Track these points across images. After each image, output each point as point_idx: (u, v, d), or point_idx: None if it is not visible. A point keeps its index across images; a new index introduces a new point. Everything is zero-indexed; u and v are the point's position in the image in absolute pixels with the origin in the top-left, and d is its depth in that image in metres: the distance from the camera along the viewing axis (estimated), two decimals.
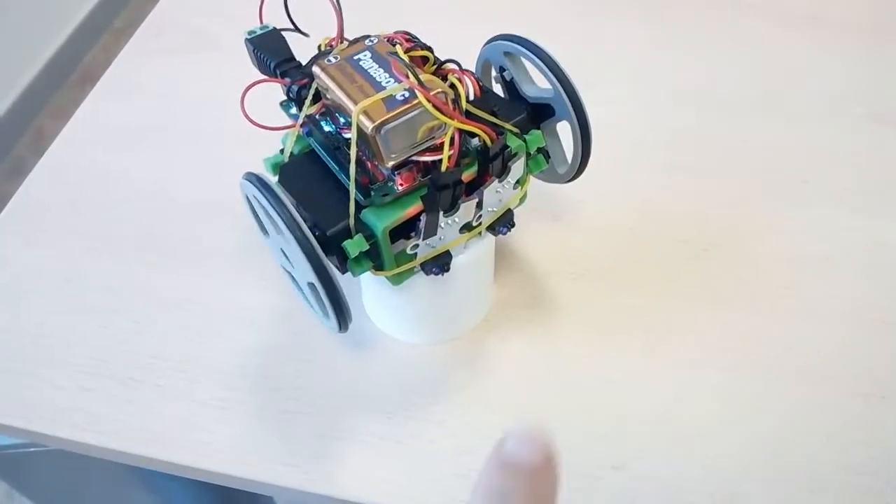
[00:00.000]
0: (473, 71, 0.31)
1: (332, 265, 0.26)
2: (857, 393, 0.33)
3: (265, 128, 0.29)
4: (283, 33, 0.31)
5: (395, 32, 0.29)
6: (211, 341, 0.36)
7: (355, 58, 0.27)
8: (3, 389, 0.34)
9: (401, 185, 0.27)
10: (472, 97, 0.28)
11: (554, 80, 0.29)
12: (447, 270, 0.29)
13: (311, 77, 0.28)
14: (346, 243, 0.26)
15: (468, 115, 0.27)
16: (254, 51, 0.31)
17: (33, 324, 0.36)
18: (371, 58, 0.27)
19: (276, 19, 0.31)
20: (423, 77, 0.25)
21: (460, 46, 0.33)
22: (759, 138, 0.43)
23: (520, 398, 0.33)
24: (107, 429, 0.33)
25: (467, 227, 0.29)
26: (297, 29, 0.31)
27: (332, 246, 0.27)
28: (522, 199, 0.31)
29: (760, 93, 0.46)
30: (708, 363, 0.34)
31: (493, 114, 0.28)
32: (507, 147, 0.28)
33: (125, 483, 0.54)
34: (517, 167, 0.29)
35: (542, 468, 0.18)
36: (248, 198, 0.27)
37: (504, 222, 0.30)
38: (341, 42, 0.29)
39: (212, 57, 0.49)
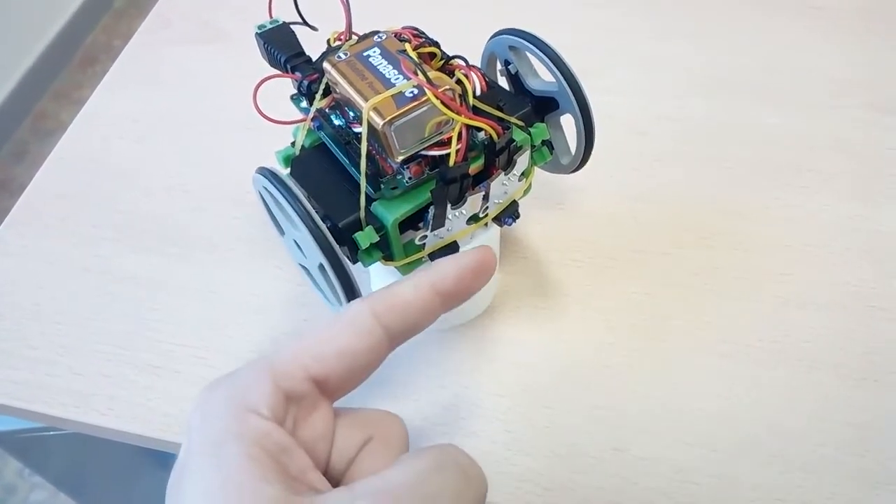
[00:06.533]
0: (479, 65, 0.32)
1: (343, 255, 0.27)
2: (852, 377, 0.34)
3: (277, 122, 0.29)
4: (292, 27, 0.32)
5: (403, 28, 0.29)
6: (227, 328, 0.37)
7: (365, 54, 0.27)
8: (24, 376, 0.35)
9: (410, 178, 0.27)
10: (478, 92, 0.28)
11: (558, 74, 0.29)
12: None
13: (322, 72, 0.28)
14: (357, 235, 0.27)
15: (475, 110, 0.28)
16: (264, 45, 0.31)
17: (53, 312, 0.37)
18: (380, 54, 0.27)
19: (284, 12, 0.31)
20: (431, 74, 0.26)
21: (466, 33, 0.34)
22: (760, 127, 0.44)
23: (524, 382, 0.34)
24: (126, 414, 0.34)
25: (474, 219, 0.30)
26: (305, 23, 0.32)
27: (344, 237, 0.27)
28: (527, 191, 0.32)
29: (761, 81, 0.46)
30: (707, 348, 0.35)
31: (499, 108, 0.29)
32: (513, 141, 0.28)
33: (138, 462, 0.56)
34: (522, 160, 0.29)
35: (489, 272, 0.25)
36: (260, 192, 0.28)
37: (509, 213, 0.31)
38: (350, 37, 0.30)
39: (220, 48, 0.50)
